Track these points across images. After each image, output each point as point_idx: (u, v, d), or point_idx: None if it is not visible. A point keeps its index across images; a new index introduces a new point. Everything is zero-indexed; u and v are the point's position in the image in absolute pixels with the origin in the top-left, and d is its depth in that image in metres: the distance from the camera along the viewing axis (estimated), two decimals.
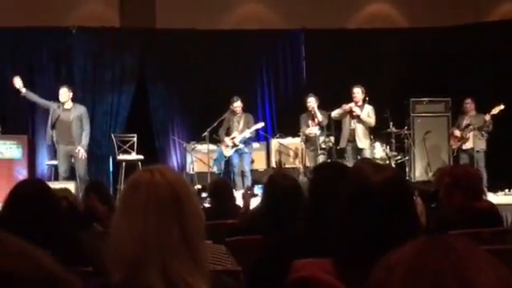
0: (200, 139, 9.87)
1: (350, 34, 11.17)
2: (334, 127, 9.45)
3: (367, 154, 9.07)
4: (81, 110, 8.85)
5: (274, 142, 10.17)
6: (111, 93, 10.51)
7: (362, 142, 9.14)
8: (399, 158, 9.86)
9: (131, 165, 9.68)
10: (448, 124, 10.18)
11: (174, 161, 10.68)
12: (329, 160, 9.25)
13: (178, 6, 10.72)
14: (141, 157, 9.78)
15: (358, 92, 9.20)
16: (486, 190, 6.45)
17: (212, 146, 9.87)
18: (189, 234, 1.56)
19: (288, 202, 3.28)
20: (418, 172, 10.10)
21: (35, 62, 10.38)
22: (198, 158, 10.05)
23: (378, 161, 9.18)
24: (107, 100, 10.47)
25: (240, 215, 4.45)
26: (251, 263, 2.69)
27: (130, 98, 10.57)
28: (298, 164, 9.89)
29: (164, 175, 1.59)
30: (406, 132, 9.93)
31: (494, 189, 8.77)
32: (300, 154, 9.84)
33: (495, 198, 7.90)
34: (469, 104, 9.55)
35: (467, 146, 9.42)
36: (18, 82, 8.82)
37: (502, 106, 9.09)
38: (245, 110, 9.79)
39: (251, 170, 9.68)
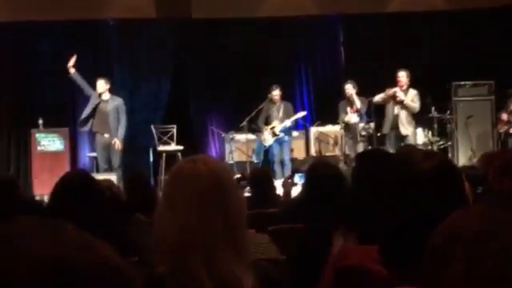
0: (238, 129, 9.86)
1: (389, 17, 10.97)
2: (374, 113, 9.30)
3: (411, 141, 8.87)
4: (118, 101, 8.97)
5: (314, 130, 10.09)
6: (149, 84, 10.57)
7: (406, 128, 8.92)
8: (442, 143, 9.68)
9: (171, 155, 9.75)
10: (491, 108, 9.93)
11: (213, 151, 10.70)
12: (370, 147, 9.14)
13: None
14: (180, 147, 9.83)
15: (402, 76, 8.95)
16: None
17: (251, 136, 9.86)
18: (232, 224, 1.54)
19: (330, 190, 3.24)
20: (462, 157, 9.89)
21: (73, 54, 10.50)
22: (236, 148, 10.06)
23: (419, 147, 9.03)
24: (145, 92, 10.54)
25: (280, 204, 4.42)
26: (295, 251, 2.66)
27: (168, 89, 10.62)
28: (337, 152, 9.80)
29: (207, 164, 1.57)
30: (448, 117, 9.73)
31: None
32: (340, 142, 9.74)
33: None
34: None
35: None
36: (72, 60, 8.84)
37: None
38: (283, 98, 9.74)
39: (290, 159, 9.64)
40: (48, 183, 9.02)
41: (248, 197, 5.05)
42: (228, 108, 10.77)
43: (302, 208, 3.39)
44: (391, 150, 8.54)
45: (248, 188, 5.06)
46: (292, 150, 9.81)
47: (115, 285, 0.64)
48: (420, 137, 9.47)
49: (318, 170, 3.35)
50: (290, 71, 10.96)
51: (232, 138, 10.09)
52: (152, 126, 10.08)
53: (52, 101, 10.29)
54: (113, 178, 7.49)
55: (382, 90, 9.14)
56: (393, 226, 1.67)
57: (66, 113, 10.36)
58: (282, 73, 10.63)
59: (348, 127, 9.38)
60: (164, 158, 9.74)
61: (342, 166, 9.17)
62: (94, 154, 9.57)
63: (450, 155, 9.66)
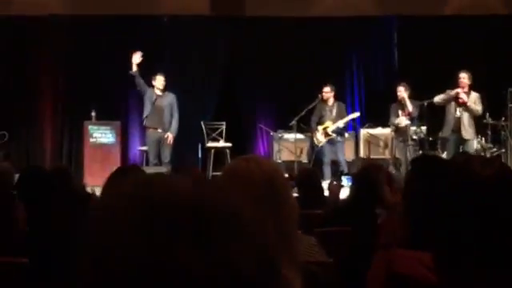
0: (287, 128, 9.85)
1: (445, 20, 10.76)
2: (426, 117, 9.12)
3: (472, 145, 8.58)
4: (172, 97, 9.12)
5: (363, 132, 9.98)
6: (201, 81, 10.66)
7: (468, 132, 8.62)
8: (495, 150, 9.43)
9: (219, 152, 9.82)
10: None
11: (261, 149, 10.72)
12: (420, 151, 8.99)
13: None
14: (229, 144, 9.89)
15: (464, 77, 8.67)
16: None
17: (299, 135, 9.83)
18: (284, 225, 1.53)
19: (379, 193, 3.20)
20: None
21: (128, 50, 10.67)
22: (284, 147, 10.04)
23: (472, 153, 8.83)
24: (197, 88, 10.63)
25: (327, 206, 4.39)
26: (342, 254, 2.64)
27: (219, 86, 10.69)
28: (387, 155, 9.67)
29: (260, 165, 1.57)
30: (503, 123, 9.48)
31: None
32: (389, 145, 9.61)
33: None
34: None
35: None
36: (136, 58, 8.97)
37: None
38: (337, 98, 9.67)
39: (333, 161, 9.53)
40: (99, 174, 9.23)
41: (295, 197, 5.04)
42: (278, 107, 10.76)
43: (350, 210, 3.35)
44: (447, 154, 8.38)
45: (295, 188, 5.04)
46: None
47: (246, 233, 0.65)
48: (472, 143, 9.24)
49: (368, 173, 3.31)
50: (342, 72, 10.88)
51: (280, 137, 10.08)
52: (202, 123, 10.17)
53: (105, 94, 10.49)
54: (162, 171, 7.59)
55: (434, 94, 8.96)
56: (449, 235, 1.64)
57: (119, 106, 10.55)
58: (334, 73, 10.55)
59: (398, 130, 9.25)
60: (212, 155, 9.82)
61: (391, 169, 9.06)
62: (144, 148, 9.72)
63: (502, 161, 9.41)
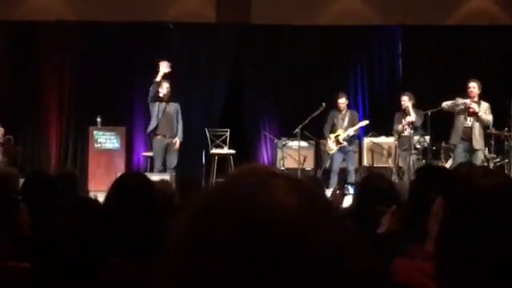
0: (291, 135, 9.87)
1: (449, 30, 10.79)
2: (429, 127, 9.13)
3: (480, 156, 8.48)
4: (177, 106, 9.19)
5: (367, 141, 10.00)
6: (206, 87, 10.70)
7: (478, 142, 8.52)
8: (498, 160, 9.42)
9: (223, 159, 9.84)
10: None
11: (265, 156, 10.74)
12: (423, 160, 8.99)
13: (274, 1, 10.74)
14: (233, 151, 9.91)
15: (474, 86, 8.57)
16: None
17: (303, 143, 9.85)
18: None
19: (382, 203, 3.20)
20: None
21: (133, 56, 10.74)
22: (288, 155, 10.06)
23: (478, 164, 8.82)
24: (202, 94, 10.67)
25: None
26: None
27: (224, 93, 10.72)
28: (390, 164, 9.68)
29: (263, 175, 1.58)
30: (506, 134, 9.47)
31: None
32: (393, 154, 9.63)
33: None
34: None
35: None
36: (164, 67, 8.94)
37: None
38: (347, 105, 9.70)
39: (342, 168, 9.55)
40: (103, 180, 9.27)
41: None
42: (282, 114, 10.79)
43: (351, 219, 3.36)
44: (453, 163, 8.34)
45: None
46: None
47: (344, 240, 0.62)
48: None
49: (371, 182, 3.32)
50: (346, 80, 10.89)
51: (284, 145, 10.10)
52: (206, 129, 10.19)
53: (110, 99, 10.54)
54: (166, 177, 7.60)
55: (438, 103, 8.95)
56: (450, 246, 1.65)
57: (124, 112, 10.59)
58: (338, 82, 10.58)
59: (402, 139, 9.25)
60: (216, 161, 9.84)
61: (394, 178, 9.06)
62: (149, 154, 9.75)
63: (506, 173, 9.40)
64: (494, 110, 9.24)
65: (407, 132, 9.09)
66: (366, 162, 9.89)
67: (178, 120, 9.17)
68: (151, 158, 9.53)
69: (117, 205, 2.58)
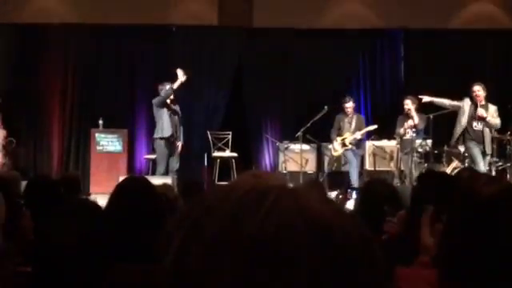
0: (293, 139, 9.87)
1: (452, 33, 10.79)
2: (432, 130, 9.12)
3: (488, 160, 8.40)
4: (178, 107, 9.17)
5: (369, 144, 9.99)
6: (208, 90, 10.70)
7: (488, 146, 8.41)
8: (500, 164, 9.41)
9: (225, 161, 9.85)
10: None
11: (267, 159, 10.74)
12: (425, 165, 8.99)
13: (277, 4, 10.75)
14: (235, 154, 9.92)
15: (478, 90, 8.42)
16: None
17: (305, 146, 9.86)
18: None
19: (383, 208, 3.20)
20: None
21: (136, 59, 10.75)
22: (290, 158, 10.06)
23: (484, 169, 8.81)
24: (204, 97, 10.67)
25: None
26: None
27: (227, 96, 10.72)
28: (392, 167, 9.67)
29: (268, 182, 1.58)
30: (508, 137, 9.46)
31: None
32: (395, 157, 9.62)
33: None
34: None
35: None
36: (182, 76, 8.90)
37: None
38: (354, 109, 9.70)
39: (359, 172, 9.54)
40: (104, 183, 9.28)
41: None
42: (284, 117, 10.79)
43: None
44: (475, 164, 8.29)
45: None
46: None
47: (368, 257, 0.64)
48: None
49: (374, 188, 3.32)
50: (348, 84, 10.89)
51: (286, 148, 10.10)
52: (208, 132, 10.20)
53: (113, 102, 10.56)
54: (168, 181, 7.61)
55: (439, 107, 8.93)
56: (453, 253, 1.65)
57: (126, 115, 10.60)
58: (340, 85, 10.58)
59: (403, 142, 9.25)
60: (218, 164, 9.84)
61: (396, 181, 9.06)
62: (151, 156, 9.75)
63: (508, 177, 9.38)
64: (498, 114, 9.22)
65: (409, 135, 9.10)
66: (368, 165, 9.88)
67: (180, 123, 9.17)
68: (153, 160, 9.53)
69: (119, 209, 2.58)
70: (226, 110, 10.67)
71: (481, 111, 8.39)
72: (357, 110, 10.18)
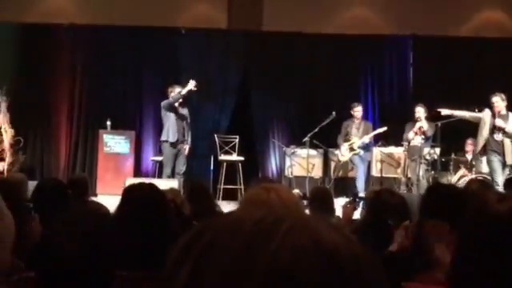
0: (300, 144, 9.86)
1: (461, 41, 10.76)
2: (440, 138, 9.08)
3: (507, 171, 8.29)
4: (187, 111, 9.19)
5: (376, 151, 9.96)
6: (216, 93, 10.70)
7: (509, 157, 8.25)
8: (508, 173, 9.37)
9: (232, 165, 9.85)
10: None
11: (273, 163, 10.73)
12: (432, 172, 8.97)
13: (286, 8, 10.75)
14: (241, 158, 9.91)
15: (496, 101, 8.32)
16: None
17: (312, 151, 9.85)
18: None
19: (393, 219, 3.19)
20: None
21: (145, 61, 10.77)
22: (296, 163, 10.05)
23: (484, 175, 8.78)
24: (212, 100, 10.66)
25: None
26: None
27: (234, 100, 10.72)
28: (399, 174, 9.65)
29: (280, 196, 1.58)
30: None
31: None
32: (402, 164, 9.59)
33: None
34: None
35: None
36: (191, 85, 8.89)
37: None
38: (363, 115, 9.69)
39: (366, 178, 9.52)
40: (111, 184, 9.30)
41: None
42: (291, 122, 10.78)
43: (361, 235, 3.35)
44: (496, 175, 8.25)
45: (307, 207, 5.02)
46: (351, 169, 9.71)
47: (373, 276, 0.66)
48: (485, 166, 9.19)
49: (382, 198, 3.31)
50: (356, 90, 10.87)
51: (293, 153, 10.09)
52: (215, 135, 10.20)
53: (120, 103, 10.58)
54: (174, 184, 7.62)
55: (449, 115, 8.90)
56: (462, 271, 1.64)
57: (134, 116, 10.62)
58: (349, 91, 10.57)
59: (411, 149, 9.20)
60: (224, 168, 9.84)
61: (403, 188, 9.04)
62: (158, 158, 9.76)
63: None
64: None
65: (418, 142, 9.02)
66: (375, 172, 9.86)
67: (188, 126, 9.18)
68: (160, 162, 9.54)
69: (128, 216, 2.58)
70: (233, 113, 10.67)
71: (499, 121, 8.30)
72: (365, 116, 10.16)
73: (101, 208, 3.57)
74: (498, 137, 8.32)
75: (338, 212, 5.09)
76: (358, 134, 9.53)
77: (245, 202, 1.64)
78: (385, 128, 9.62)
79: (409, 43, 10.98)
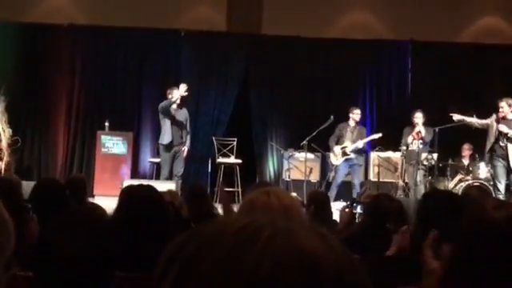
0: (298, 147, 9.86)
1: (460, 47, 10.78)
2: (437, 144, 9.09)
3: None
4: (186, 112, 9.20)
5: (373, 155, 9.97)
6: (215, 96, 10.71)
7: None
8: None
9: (229, 168, 9.85)
10: None
11: (271, 166, 10.73)
12: (429, 177, 8.98)
13: (286, 12, 10.77)
14: (239, 161, 9.91)
15: (502, 106, 8.36)
16: None
17: (310, 155, 9.85)
18: None
19: (391, 224, 3.20)
20: None
21: (144, 63, 10.78)
22: (294, 166, 10.05)
23: (481, 181, 8.80)
24: (210, 103, 10.67)
25: (337, 233, 4.38)
26: None
27: (233, 102, 10.73)
28: (396, 179, 9.65)
29: (280, 199, 1.59)
30: None
31: None
32: (399, 169, 9.60)
33: None
34: None
35: None
36: (182, 90, 8.88)
37: None
38: (360, 120, 9.66)
39: (360, 183, 9.52)
40: (108, 184, 9.29)
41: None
42: (289, 126, 10.78)
43: (360, 239, 3.36)
44: (499, 179, 8.25)
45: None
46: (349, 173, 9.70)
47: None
48: (482, 171, 9.21)
49: (380, 203, 3.32)
50: (355, 94, 10.88)
51: (291, 156, 10.09)
52: (213, 138, 10.20)
53: (119, 105, 10.58)
54: (172, 186, 7.62)
55: (446, 120, 8.92)
56: (461, 278, 1.64)
57: (132, 117, 10.61)
58: (347, 95, 10.59)
59: (409, 153, 9.20)
60: (222, 170, 9.84)
61: (400, 193, 9.04)
62: (155, 160, 9.76)
63: None
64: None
65: (416, 146, 9.03)
66: (372, 176, 9.87)
67: (187, 128, 9.17)
68: (157, 164, 9.54)
69: (126, 218, 2.59)
70: (231, 116, 10.67)
71: (502, 127, 8.33)
72: (363, 120, 10.18)
73: (98, 209, 3.57)
74: (503, 142, 8.33)
75: (336, 216, 5.10)
76: (351, 137, 9.48)
77: (244, 206, 1.64)
78: (380, 134, 9.62)
79: (407, 48, 11.00)
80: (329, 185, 9.53)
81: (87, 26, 10.62)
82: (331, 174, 9.67)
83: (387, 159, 9.86)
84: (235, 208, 4.50)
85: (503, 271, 1.56)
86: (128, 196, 2.68)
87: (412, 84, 10.92)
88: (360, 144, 9.42)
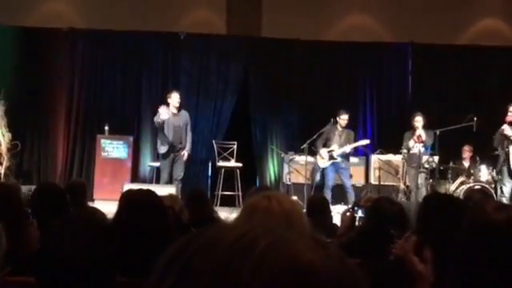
0: (298, 150, 9.84)
1: (461, 49, 10.78)
2: (438, 146, 9.07)
3: None
4: (186, 115, 9.18)
5: (374, 159, 9.94)
6: (214, 99, 10.70)
7: None
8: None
9: (230, 171, 9.84)
10: None
11: (271, 170, 10.71)
12: (431, 180, 8.96)
13: (285, 15, 10.76)
14: (239, 164, 9.90)
15: (510, 110, 8.39)
16: None
17: (310, 158, 9.82)
18: None
19: (392, 227, 3.19)
20: None
21: (143, 65, 10.77)
22: (295, 169, 10.03)
23: (483, 184, 8.79)
24: (210, 106, 10.66)
25: (339, 237, 4.37)
26: None
27: (233, 106, 10.72)
28: (397, 182, 9.63)
29: (281, 204, 1.58)
30: None
31: None
32: (400, 172, 9.58)
33: None
34: None
35: None
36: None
37: None
38: (347, 124, 9.60)
39: (340, 185, 9.47)
40: (108, 189, 9.28)
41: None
42: (290, 129, 10.77)
43: (361, 243, 3.35)
44: (504, 187, 8.24)
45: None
46: (351, 176, 9.67)
47: None
48: (483, 174, 9.20)
49: (382, 206, 3.31)
50: (355, 97, 10.88)
51: (291, 159, 10.07)
52: (213, 141, 10.19)
53: (119, 108, 10.57)
54: (172, 190, 7.60)
55: (446, 123, 8.92)
56: (462, 279, 1.63)
57: (132, 121, 10.60)
58: (347, 98, 10.57)
59: (411, 156, 9.17)
60: (222, 174, 9.83)
61: (401, 196, 9.02)
62: (155, 164, 9.74)
63: None
64: None
65: (417, 149, 9.00)
66: (373, 179, 9.84)
67: (187, 132, 9.15)
68: (157, 168, 9.52)
69: (127, 223, 2.58)
70: (231, 119, 10.66)
71: (507, 130, 8.33)
72: (362, 123, 10.17)
73: (98, 214, 3.56)
74: (507, 146, 8.33)
75: (336, 220, 5.09)
76: (339, 141, 9.39)
77: (245, 211, 1.63)
78: (367, 141, 9.57)
79: (408, 50, 11.00)
80: (318, 187, 9.47)
81: (87, 30, 10.62)
82: (317, 176, 9.59)
83: (388, 162, 9.83)
84: (234, 212, 4.48)
85: (503, 272, 1.55)
86: (128, 200, 2.68)
87: (412, 86, 10.90)
88: (347, 149, 9.33)
